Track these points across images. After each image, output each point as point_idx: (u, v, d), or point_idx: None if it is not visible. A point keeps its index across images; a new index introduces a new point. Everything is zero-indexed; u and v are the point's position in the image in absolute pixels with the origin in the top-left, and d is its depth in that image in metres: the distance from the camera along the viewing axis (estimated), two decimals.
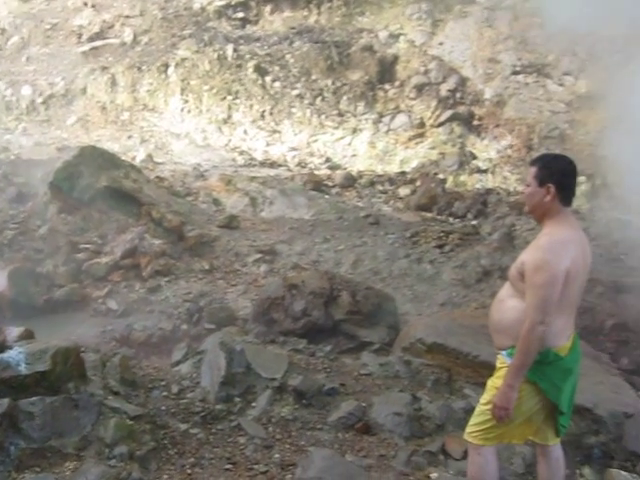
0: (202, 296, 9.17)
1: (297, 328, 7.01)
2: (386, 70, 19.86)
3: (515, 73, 19.04)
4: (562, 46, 18.27)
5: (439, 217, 13.53)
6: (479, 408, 3.81)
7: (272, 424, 5.24)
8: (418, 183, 15.33)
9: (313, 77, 19.62)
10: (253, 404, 5.41)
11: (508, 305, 3.67)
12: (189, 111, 19.10)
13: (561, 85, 18.28)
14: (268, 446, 5.00)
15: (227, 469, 4.70)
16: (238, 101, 19.12)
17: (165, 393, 5.46)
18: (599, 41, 16.38)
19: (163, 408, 5.19)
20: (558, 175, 3.61)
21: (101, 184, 10.61)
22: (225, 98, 19.12)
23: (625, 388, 6.08)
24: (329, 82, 19.46)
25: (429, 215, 13.65)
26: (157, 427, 4.89)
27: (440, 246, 11.13)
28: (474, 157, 17.63)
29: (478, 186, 16.25)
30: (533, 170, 3.67)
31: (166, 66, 19.57)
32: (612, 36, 15.64)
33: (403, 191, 15.15)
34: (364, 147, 18.25)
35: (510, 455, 4.95)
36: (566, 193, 3.62)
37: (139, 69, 19.63)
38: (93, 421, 4.60)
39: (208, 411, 5.23)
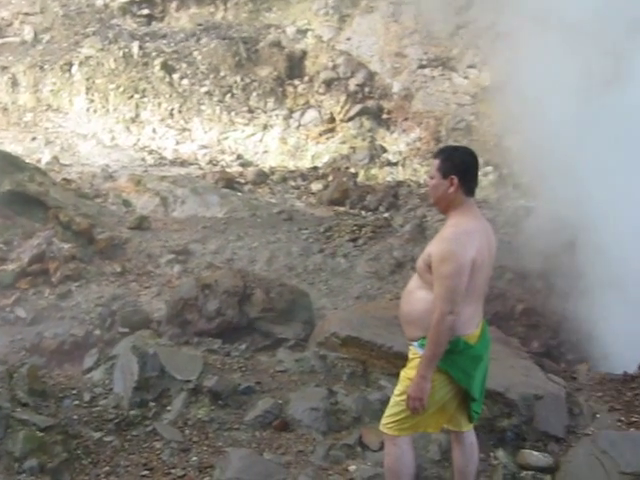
0: (115, 300, 8.98)
1: (211, 328, 6.95)
2: (295, 66, 19.89)
3: (421, 67, 19.36)
4: (466, 40, 18.69)
5: (352, 211, 13.65)
6: (393, 399, 3.85)
7: (188, 427, 5.17)
8: (330, 178, 15.44)
9: (222, 74, 19.47)
10: (168, 408, 5.32)
11: (417, 296, 3.71)
12: (95, 111, 18.67)
13: (466, 78, 18.71)
14: (185, 449, 4.93)
15: (144, 475, 4.61)
16: (146, 99, 18.80)
17: (77, 402, 5.31)
18: (501, 35, 16.76)
19: (75, 417, 5.05)
20: (461, 166, 3.67)
21: (4, 188, 10.26)
22: (132, 97, 18.77)
23: (535, 371, 6.23)
24: (238, 78, 19.35)
25: (342, 209, 13.75)
26: (69, 437, 4.75)
27: (353, 240, 11.22)
28: (384, 150, 17.86)
29: (389, 179, 16.47)
30: (436, 162, 3.72)
31: (70, 65, 19.08)
32: (513, 29, 16.04)
33: (315, 186, 15.22)
34: (275, 143, 18.24)
35: (426, 443, 5.01)
36: (469, 184, 3.69)
37: (41, 68, 19.07)
38: (1, 435, 4.44)
39: (122, 417, 5.11)
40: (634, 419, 5.98)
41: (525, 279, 10.36)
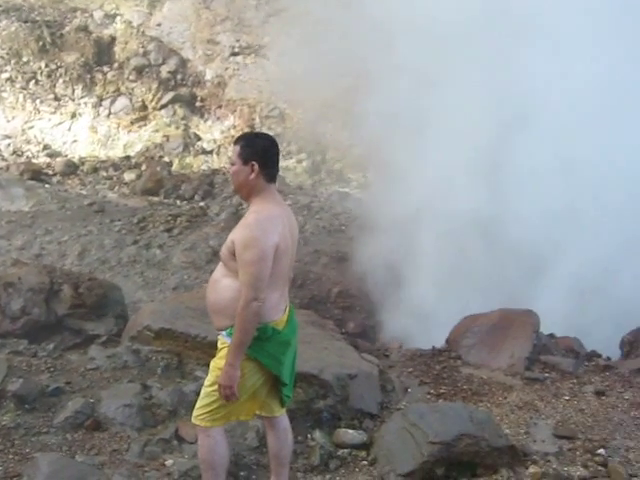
0: None
1: (16, 329, 6.56)
2: (103, 52, 19.20)
3: (234, 54, 19.30)
4: (277, 27, 18.82)
5: (166, 201, 13.46)
6: (204, 390, 3.80)
7: None
8: (143, 167, 15.15)
9: (24, 59, 18.43)
10: None
11: (222, 285, 3.68)
12: None
13: (278, 66, 18.82)
14: None
15: None
16: None
17: None
18: (313, 23, 17.03)
19: None
20: (261, 153, 3.68)
21: None
22: None
23: (349, 351, 6.40)
24: (42, 64, 18.40)
25: (156, 199, 13.52)
26: None
27: (169, 230, 11.09)
28: (199, 138, 17.69)
29: (204, 167, 16.37)
30: (237, 149, 3.71)
31: None
32: (324, 17, 16.35)
33: (128, 176, 14.86)
34: (85, 132, 17.55)
35: (244, 430, 5.02)
36: (270, 170, 3.70)
37: None
38: None
39: None
40: (442, 390, 6.34)
41: (340, 262, 10.65)
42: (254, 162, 3.64)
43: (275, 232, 3.56)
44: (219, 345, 3.77)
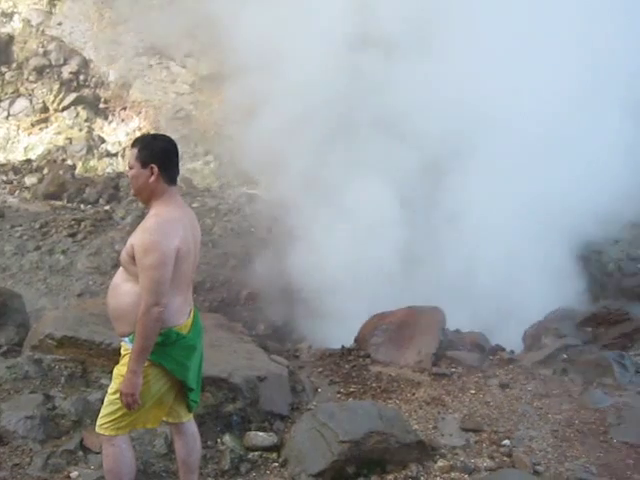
0: None
1: None
2: (1, 51, 18.62)
3: (138, 55, 18.97)
4: (182, 28, 18.60)
5: (70, 205, 13.15)
6: (108, 398, 3.72)
7: None
8: (45, 171, 14.71)
9: None
10: None
11: (123, 290, 3.60)
12: None
13: (184, 67, 18.63)
14: None
15: None
16: None
17: None
18: (216, 23, 16.90)
19: None
20: (160, 155, 3.61)
21: None
22: None
23: (258, 353, 6.38)
24: None
25: (59, 203, 13.18)
26: None
27: (72, 235, 10.84)
28: (103, 141, 17.34)
29: (109, 170, 16.08)
30: (134, 151, 3.63)
31: None
32: (229, 19, 16.24)
33: (30, 180, 14.42)
34: None
35: (152, 437, 4.94)
36: (170, 172, 3.64)
37: None
38: None
39: None
40: (352, 389, 6.39)
41: (248, 265, 10.62)
42: (153, 165, 3.57)
43: (176, 235, 3.51)
44: (122, 352, 3.69)
